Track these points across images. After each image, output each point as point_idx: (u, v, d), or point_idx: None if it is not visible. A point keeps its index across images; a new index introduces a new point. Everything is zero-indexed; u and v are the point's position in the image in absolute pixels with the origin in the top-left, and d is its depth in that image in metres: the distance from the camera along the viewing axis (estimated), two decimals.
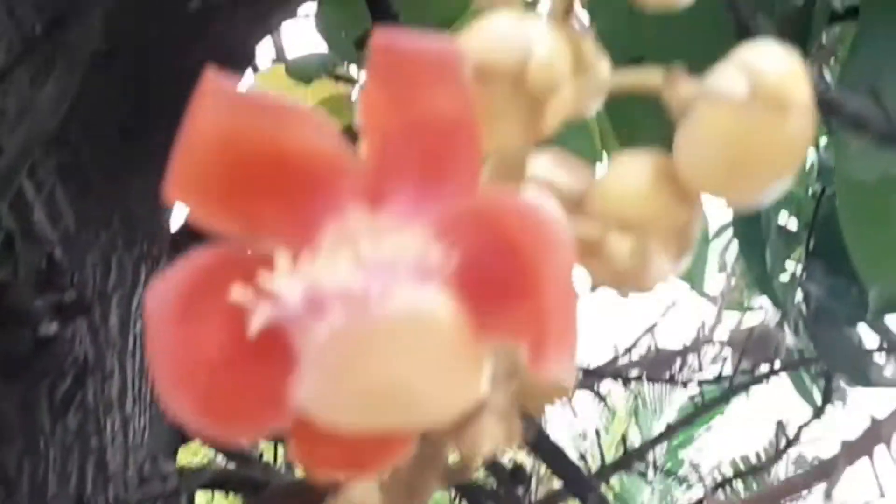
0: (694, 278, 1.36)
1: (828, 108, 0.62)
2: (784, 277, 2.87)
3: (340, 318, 0.21)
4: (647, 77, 0.27)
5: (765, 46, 0.25)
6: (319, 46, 1.29)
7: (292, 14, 1.13)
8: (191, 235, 0.96)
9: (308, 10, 1.17)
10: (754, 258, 0.89)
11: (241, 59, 1.01)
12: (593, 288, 0.28)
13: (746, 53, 0.25)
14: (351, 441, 0.23)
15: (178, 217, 0.99)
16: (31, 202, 0.82)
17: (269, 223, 0.24)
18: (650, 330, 1.76)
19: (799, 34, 0.74)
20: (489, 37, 0.23)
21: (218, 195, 0.24)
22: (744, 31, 0.64)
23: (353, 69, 1.41)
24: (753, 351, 1.72)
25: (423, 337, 0.21)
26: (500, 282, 0.23)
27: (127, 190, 0.93)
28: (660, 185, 0.26)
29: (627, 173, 0.26)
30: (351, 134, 0.24)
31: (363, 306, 0.21)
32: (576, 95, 0.25)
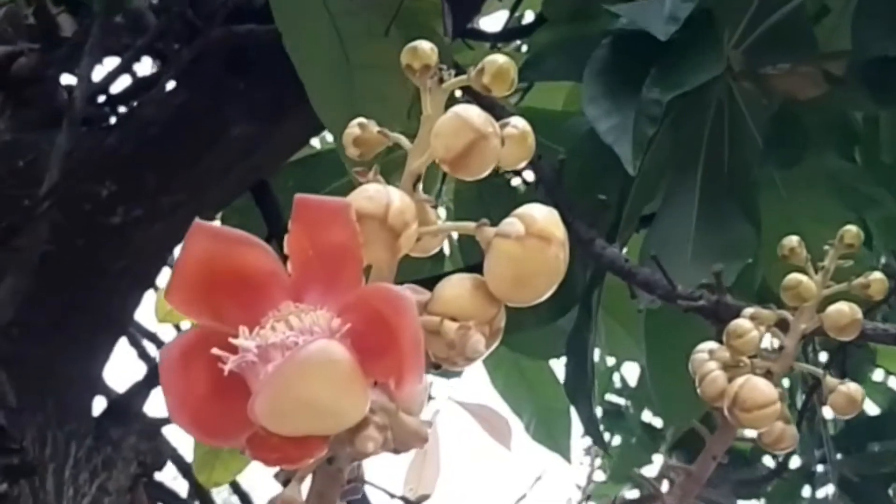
0: (562, 449, 1.52)
1: (626, 276, 0.80)
2: (653, 471, 3.04)
3: (279, 360, 0.36)
4: (466, 227, 0.42)
5: (535, 205, 0.41)
6: None
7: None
8: (111, 417, 1.08)
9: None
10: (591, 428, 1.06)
11: (158, 265, 1.16)
12: (437, 365, 0.43)
13: (522, 209, 0.41)
14: (286, 443, 0.37)
15: (99, 403, 1.12)
16: None
17: (233, 314, 0.39)
18: (520, 500, 1.86)
19: (609, 228, 0.93)
20: (365, 195, 0.39)
21: (201, 298, 0.39)
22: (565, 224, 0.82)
23: None
24: None
25: (329, 370, 0.36)
26: (376, 340, 0.38)
27: (58, 378, 1.06)
28: (474, 293, 0.41)
29: (454, 286, 0.41)
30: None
31: (294, 352, 0.36)
32: (420, 235, 0.41)
